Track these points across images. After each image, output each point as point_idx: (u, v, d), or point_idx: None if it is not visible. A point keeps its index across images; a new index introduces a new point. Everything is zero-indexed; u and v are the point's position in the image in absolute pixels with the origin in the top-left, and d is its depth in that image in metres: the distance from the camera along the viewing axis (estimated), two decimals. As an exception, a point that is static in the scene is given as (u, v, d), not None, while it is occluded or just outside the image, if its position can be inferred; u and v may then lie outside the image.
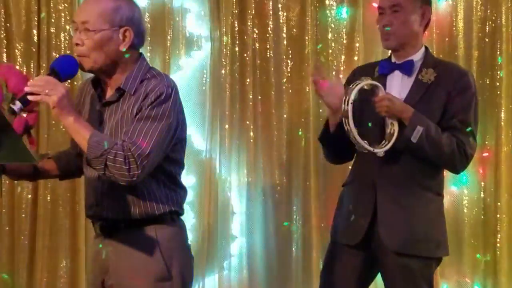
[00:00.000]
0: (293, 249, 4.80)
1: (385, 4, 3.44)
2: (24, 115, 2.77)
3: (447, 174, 3.74)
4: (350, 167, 3.65)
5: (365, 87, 3.30)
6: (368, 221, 3.38)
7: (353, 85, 3.27)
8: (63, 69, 2.77)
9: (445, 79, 3.39)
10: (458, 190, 4.74)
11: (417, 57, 3.45)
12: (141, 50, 2.95)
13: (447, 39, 4.76)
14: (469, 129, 3.37)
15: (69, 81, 4.62)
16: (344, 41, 4.79)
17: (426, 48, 3.50)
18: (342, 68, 4.75)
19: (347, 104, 3.22)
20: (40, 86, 2.67)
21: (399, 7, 3.41)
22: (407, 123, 3.28)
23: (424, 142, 3.28)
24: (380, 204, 3.36)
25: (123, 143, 2.71)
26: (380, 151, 3.29)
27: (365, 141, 3.28)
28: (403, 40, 3.43)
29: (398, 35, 3.41)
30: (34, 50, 4.80)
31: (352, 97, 3.23)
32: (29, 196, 4.74)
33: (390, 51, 3.54)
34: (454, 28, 4.77)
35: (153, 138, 2.72)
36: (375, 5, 4.69)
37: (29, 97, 2.66)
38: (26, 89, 2.67)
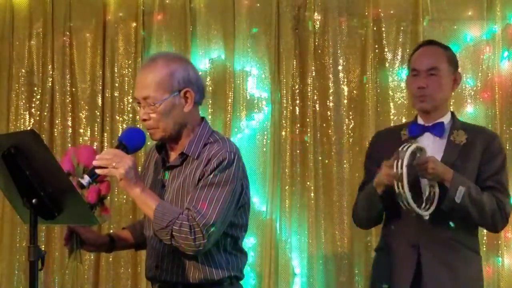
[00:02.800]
0: (355, 312, 4.74)
1: (421, 67, 3.48)
2: (96, 185, 2.82)
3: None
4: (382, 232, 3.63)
5: (415, 150, 3.30)
6: (410, 281, 3.36)
7: (404, 148, 3.25)
8: (130, 141, 2.82)
9: (477, 141, 3.44)
10: None
11: (446, 119, 3.50)
12: (202, 113, 2.98)
13: (510, 99, 4.72)
14: (505, 189, 3.45)
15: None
16: (405, 102, 4.77)
17: (452, 112, 3.56)
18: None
19: (401, 168, 3.20)
20: (107, 160, 2.72)
21: (435, 71, 3.47)
22: (448, 184, 3.30)
23: (467, 202, 3.30)
24: (425, 264, 3.36)
25: (188, 213, 2.72)
26: (426, 213, 3.30)
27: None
28: (438, 103, 3.48)
29: (434, 97, 3.46)
30: (98, 114, 4.91)
31: (406, 160, 3.21)
32: (92, 257, 4.78)
33: (416, 114, 3.58)
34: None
35: (218, 206, 2.72)
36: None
37: (97, 171, 2.71)
38: (94, 163, 2.72)
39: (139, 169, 3.13)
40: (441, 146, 3.44)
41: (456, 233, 3.41)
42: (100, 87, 4.93)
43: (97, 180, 2.78)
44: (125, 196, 4.83)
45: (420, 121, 3.53)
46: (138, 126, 4.77)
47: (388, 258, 3.47)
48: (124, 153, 2.75)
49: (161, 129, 2.85)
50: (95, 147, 4.82)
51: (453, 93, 3.62)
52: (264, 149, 4.83)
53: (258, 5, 4.89)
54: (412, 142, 3.32)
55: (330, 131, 4.79)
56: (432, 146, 3.42)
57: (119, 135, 2.91)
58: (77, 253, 2.99)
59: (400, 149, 3.25)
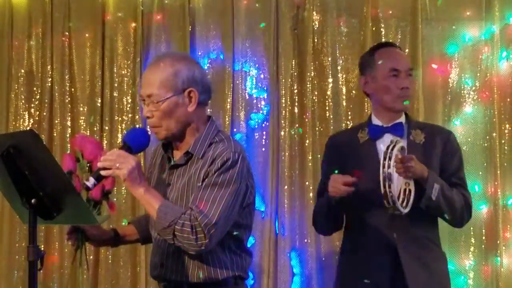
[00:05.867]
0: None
1: (403, 67, 3.49)
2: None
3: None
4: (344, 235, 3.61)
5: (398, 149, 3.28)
6: (389, 281, 3.36)
7: (389, 149, 3.22)
8: (135, 142, 2.83)
9: (435, 140, 3.48)
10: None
11: (403, 119, 3.51)
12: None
13: (508, 99, 4.72)
14: (466, 185, 3.52)
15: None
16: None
17: (405, 112, 3.57)
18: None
19: (388, 167, 3.19)
20: (111, 160, 2.73)
21: (412, 72, 3.53)
22: (425, 182, 3.31)
23: (441, 199, 3.34)
24: (405, 265, 3.35)
25: (191, 212, 2.73)
26: (406, 211, 3.28)
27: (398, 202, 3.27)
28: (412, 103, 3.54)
29: (412, 97, 3.57)
30: (97, 113, 4.91)
31: (393, 160, 3.20)
32: (91, 257, 4.79)
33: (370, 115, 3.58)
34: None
35: (220, 206, 2.73)
36: (435, 66, 4.73)
37: (102, 172, 2.73)
38: (99, 164, 2.74)
39: (145, 167, 3.13)
40: None
41: (427, 231, 3.46)
42: (99, 87, 4.94)
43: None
44: (124, 195, 4.83)
45: (377, 122, 3.52)
46: (137, 126, 4.80)
47: (361, 260, 3.44)
48: (128, 154, 2.77)
49: (164, 128, 2.86)
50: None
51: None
52: (263, 149, 4.84)
53: (257, 5, 4.89)
54: (396, 141, 3.30)
55: (328, 131, 4.79)
56: None
57: (124, 135, 2.93)
58: (82, 254, 3.00)
59: (385, 149, 3.24)
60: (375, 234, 3.41)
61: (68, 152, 2.96)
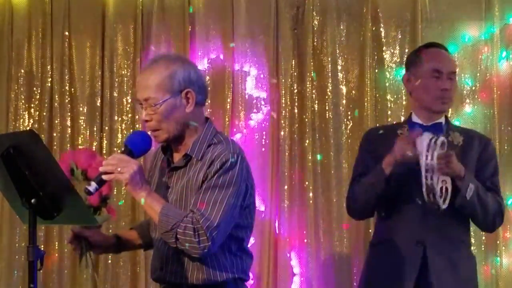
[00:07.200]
0: (353, 312, 4.75)
1: (445, 69, 3.53)
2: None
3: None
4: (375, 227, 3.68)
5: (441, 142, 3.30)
6: (415, 278, 3.38)
7: (431, 141, 3.25)
8: (136, 145, 2.81)
9: (473, 144, 3.53)
10: None
11: (442, 120, 3.56)
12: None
13: (508, 99, 4.73)
14: (500, 192, 3.56)
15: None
16: (404, 102, 4.78)
17: (446, 115, 3.63)
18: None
19: (432, 159, 3.22)
20: (112, 165, 2.72)
21: (453, 75, 3.56)
22: (461, 181, 3.34)
23: (475, 200, 3.37)
24: (431, 262, 3.38)
25: (193, 215, 2.72)
26: (444, 206, 3.31)
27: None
28: (451, 106, 3.60)
29: (452, 100, 3.58)
30: (97, 113, 4.91)
31: (437, 152, 3.23)
32: (91, 257, 4.78)
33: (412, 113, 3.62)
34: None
35: (221, 208, 2.72)
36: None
37: (103, 177, 2.72)
38: (100, 169, 2.73)
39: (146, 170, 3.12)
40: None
41: (459, 232, 3.49)
42: (99, 87, 4.94)
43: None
44: (124, 195, 4.83)
45: (417, 120, 3.56)
46: (137, 126, 4.80)
47: (389, 254, 3.48)
48: (129, 158, 2.76)
49: (164, 130, 2.84)
50: (94, 148, 4.83)
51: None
52: (263, 149, 4.84)
53: (257, 5, 4.89)
54: (439, 135, 3.33)
55: (328, 131, 4.79)
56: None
57: (125, 138, 2.91)
58: (88, 258, 3.00)
59: (428, 141, 3.26)
60: (407, 230, 3.43)
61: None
